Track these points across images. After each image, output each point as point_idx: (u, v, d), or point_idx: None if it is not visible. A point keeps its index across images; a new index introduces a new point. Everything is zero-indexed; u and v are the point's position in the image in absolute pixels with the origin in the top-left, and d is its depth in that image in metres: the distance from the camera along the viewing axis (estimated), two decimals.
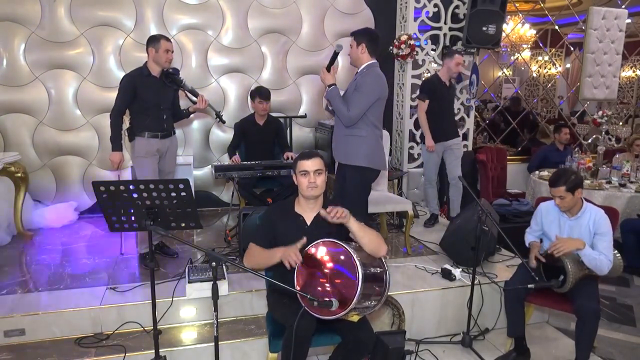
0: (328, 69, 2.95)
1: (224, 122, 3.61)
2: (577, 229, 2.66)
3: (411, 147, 5.15)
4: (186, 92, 3.37)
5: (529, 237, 2.93)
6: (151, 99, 3.22)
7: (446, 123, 4.23)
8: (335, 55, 2.93)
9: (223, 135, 4.74)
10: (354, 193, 3.04)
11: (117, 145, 3.23)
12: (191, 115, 3.60)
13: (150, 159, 3.27)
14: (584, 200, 2.68)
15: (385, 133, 4.11)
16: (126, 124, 3.30)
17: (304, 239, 2.06)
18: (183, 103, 3.58)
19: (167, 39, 3.25)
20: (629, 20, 6.04)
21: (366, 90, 2.92)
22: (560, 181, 2.57)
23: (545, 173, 4.84)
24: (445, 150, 4.23)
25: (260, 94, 4.10)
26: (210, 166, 4.59)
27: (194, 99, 3.36)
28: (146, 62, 3.26)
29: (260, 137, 4.23)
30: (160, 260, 3.38)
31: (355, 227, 2.07)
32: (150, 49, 3.19)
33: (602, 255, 2.56)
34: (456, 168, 4.21)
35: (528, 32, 7.76)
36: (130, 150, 3.36)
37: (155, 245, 3.44)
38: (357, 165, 2.99)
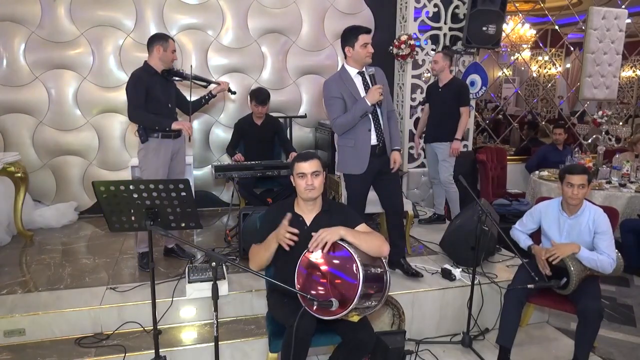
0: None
1: (234, 92, 3.69)
2: (577, 228, 2.66)
3: (411, 147, 5.15)
4: (194, 81, 3.25)
5: (522, 236, 2.88)
6: (161, 98, 3.13)
7: (433, 126, 4.24)
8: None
9: (223, 135, 4.74)
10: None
11: (166, 122, 3.06)
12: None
13: (162, 162, 3.12)
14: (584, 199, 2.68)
15: None
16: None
17: (289, 215, 2.09)
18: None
19: (173, 39, 3.20)
20: (629, 20, 6.05)
21: None
22: (583, 169, 2.66)
23: (545, 173, 4.83)
24: (437, 152, 4.23)
25: (257, 98, 4.06)
26: (210, 166, 4.58)
27: (212, 85, 3.39)
28: (146, 60, 3.14)
29: (259, 137, 4.22)
30: (161, 260, 3.38)
31: (350, 238, 2.03)
32: (158, 47, 3.08)
33: (603, 255, 2.56)
34: (441, 171, 4.18)
35: (528, 32, 7.77)
36: (142, 150, 3.13)
37: (169, 248, 3.44)
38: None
